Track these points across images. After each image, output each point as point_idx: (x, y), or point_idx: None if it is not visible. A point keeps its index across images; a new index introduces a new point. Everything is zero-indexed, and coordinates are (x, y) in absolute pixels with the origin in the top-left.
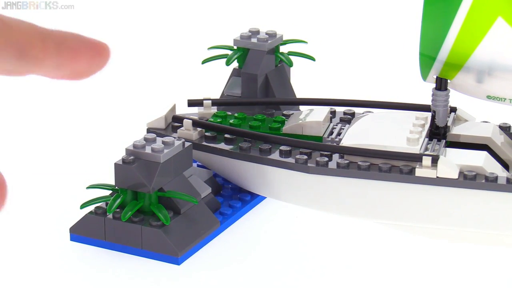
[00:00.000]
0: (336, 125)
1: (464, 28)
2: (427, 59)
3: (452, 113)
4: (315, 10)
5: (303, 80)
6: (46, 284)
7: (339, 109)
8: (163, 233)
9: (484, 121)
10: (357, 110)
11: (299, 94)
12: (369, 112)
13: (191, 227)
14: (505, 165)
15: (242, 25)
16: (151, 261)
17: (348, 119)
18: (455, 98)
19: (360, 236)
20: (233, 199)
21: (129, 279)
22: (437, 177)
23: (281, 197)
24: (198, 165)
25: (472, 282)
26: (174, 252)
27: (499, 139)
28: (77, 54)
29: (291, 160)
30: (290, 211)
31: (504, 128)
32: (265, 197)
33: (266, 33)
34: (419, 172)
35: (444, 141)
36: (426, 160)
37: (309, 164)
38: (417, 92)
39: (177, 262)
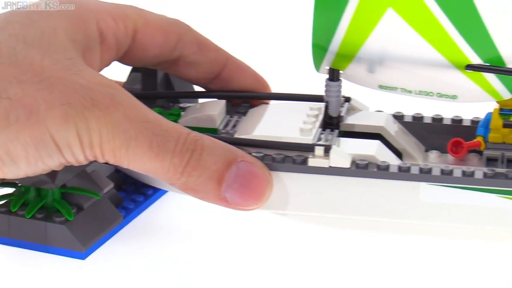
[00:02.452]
0: (232, 117)
1: (355, 18)
2: (319, 50)
3: (346, 103)
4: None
5: None
6: None
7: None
8: (67, 228)
9: (378, 111)
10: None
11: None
12: (265, 103)
13: (94, 222)
14: (398, 154)
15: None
16: (56, 257)
17: (244, 111)
18: (349, 87)
19: (287, 232)
20: (135, 194)
21: (34, 276)
22: (330, 166)
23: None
24: None
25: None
26: (79, 247)
27: (392, 128)
28: None
29: None
30: (192, 204)
31: (397, 117)
32: (167, 191)
33: None
34: (312, 162)
35: (337, 131)
36: (319, 150)
37: None
38: (315, 83)
39: (82, 256)
